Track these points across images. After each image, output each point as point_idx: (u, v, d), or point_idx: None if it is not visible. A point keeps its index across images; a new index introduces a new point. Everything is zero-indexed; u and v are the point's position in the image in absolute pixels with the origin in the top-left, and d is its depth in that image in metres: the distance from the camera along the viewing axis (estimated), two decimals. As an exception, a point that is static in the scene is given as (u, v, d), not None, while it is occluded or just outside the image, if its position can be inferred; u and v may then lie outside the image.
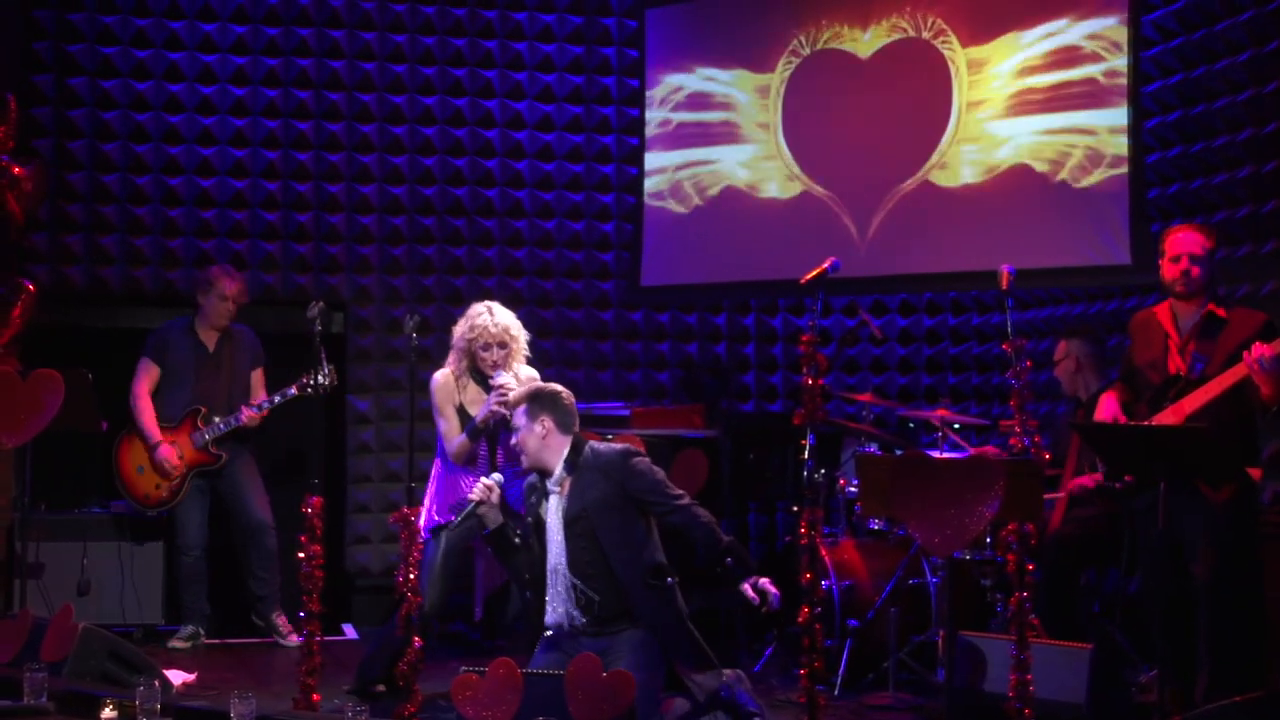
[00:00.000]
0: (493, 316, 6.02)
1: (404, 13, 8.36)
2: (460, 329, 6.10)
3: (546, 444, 5.28)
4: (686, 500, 5.28)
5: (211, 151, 8.11)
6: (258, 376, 7.43)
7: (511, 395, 5.64)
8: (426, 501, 6.15)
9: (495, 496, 5.32)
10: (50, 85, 7.90)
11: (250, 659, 7.07)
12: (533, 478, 5.44)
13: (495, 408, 5.84)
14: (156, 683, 4.44)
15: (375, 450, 8.25)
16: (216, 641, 7.35)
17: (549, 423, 5.28)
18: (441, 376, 6.12)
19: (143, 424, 7.21)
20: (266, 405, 7.17)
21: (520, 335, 6.10)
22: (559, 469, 5.31)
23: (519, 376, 5.99)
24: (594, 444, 5.36)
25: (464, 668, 4.52)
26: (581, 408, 5.53)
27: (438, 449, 6.17)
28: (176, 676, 6.00)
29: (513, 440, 5.46)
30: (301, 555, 5.45)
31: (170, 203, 8.06)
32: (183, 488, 7.21)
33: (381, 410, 8.26)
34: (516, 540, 5.34)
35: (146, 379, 7.27)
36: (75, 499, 7.62)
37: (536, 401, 5.32)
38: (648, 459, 5.35)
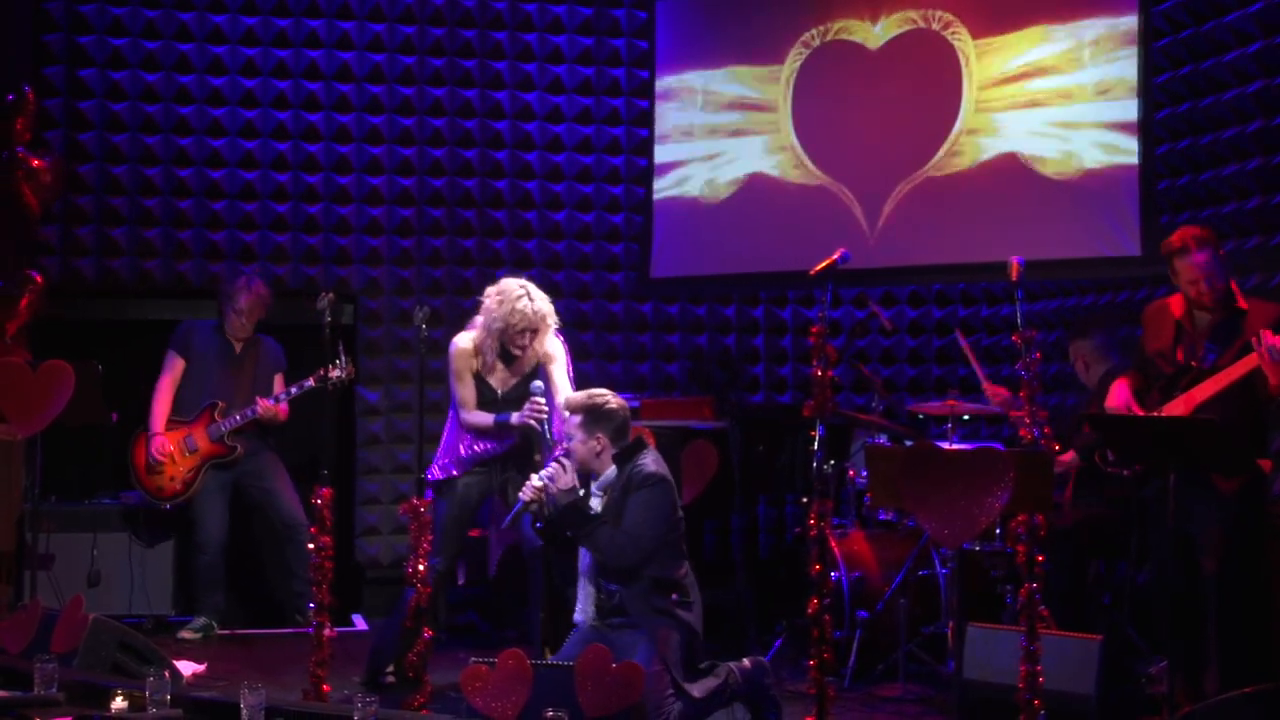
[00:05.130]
0: (532, 303, 5.95)
1: (413, 5, 8.35)
2: (496, 309, 5.95)
3: (600, 458, 5.35)
4: (644, 535, 5.15)
5: (221, 143, 8.11)
6: (278, 379, 7.43)
7: (563, 401, 5.67)
8: (437, 454, 6.16)
9: (551, 490, 5.34)
10: (60, 77, 7.91)
11: (260, 650, 7.08)
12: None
13: (529, 422, 5.84)
14: (166, 674, 4.45)
15: (385, 442, 8.26)
16: (226, 632, 7.35)
17: (604, 439, 5.33)
18: (462, 343, 6.06)
19: (151, 411, 7.25)
20: (284, 397, 7.19)
21: (552, 318, 6.07)
22: (608, 474, 5.36)
23: (551, 378, 5.99)
24: (644, 458, 5.32)
25: (473, 659, 4.53)
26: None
27: (451, 405, 6.15)
28: (186, 667, 6.02)
29: (564, 443, 5.48)
30: (311, 546, 5.47)
31: (180, 194, 8.07)
32: (196, 480, 7.22)
33: (391, 402, 8.26)
34: (568, 534, 5.34)
35: (170, 372, 7.32)
36: (86, 490, 7.64)
37: (593, 418, 5.34)
38: (671, 496, 5.27)
